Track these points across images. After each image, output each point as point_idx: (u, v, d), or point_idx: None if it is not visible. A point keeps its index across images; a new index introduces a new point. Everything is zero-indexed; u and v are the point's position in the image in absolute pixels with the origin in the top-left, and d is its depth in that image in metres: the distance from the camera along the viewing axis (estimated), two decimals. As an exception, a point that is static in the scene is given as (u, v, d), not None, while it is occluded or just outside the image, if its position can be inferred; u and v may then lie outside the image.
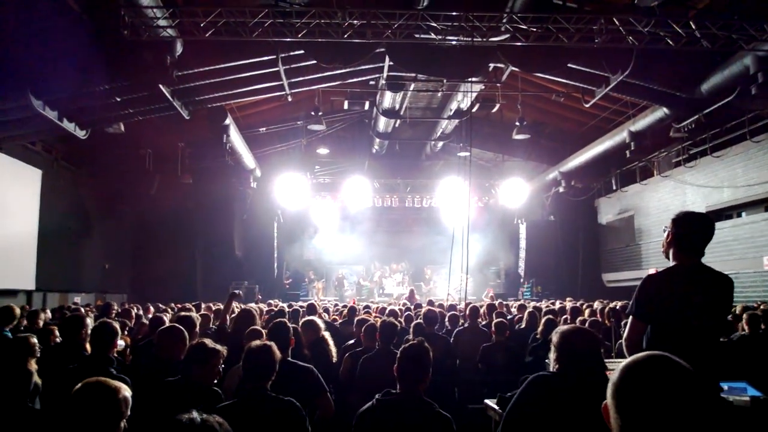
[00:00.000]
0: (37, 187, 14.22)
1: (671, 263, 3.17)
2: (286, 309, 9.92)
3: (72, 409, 2.27)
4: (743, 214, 14.78)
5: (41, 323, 7.22)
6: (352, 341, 6.29)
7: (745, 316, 6.17)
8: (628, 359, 1.36)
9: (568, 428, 1.96)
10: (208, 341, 3.57)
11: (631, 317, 3.18)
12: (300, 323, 5.84)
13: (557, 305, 11.06)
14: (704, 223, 3.15)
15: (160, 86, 11.44)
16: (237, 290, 6.14)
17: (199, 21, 10.00)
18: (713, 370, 3.09)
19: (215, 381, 3.54)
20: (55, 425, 3.04)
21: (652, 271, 3.44)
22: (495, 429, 4.02)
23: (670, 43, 10.70)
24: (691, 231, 3.12)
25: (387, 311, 8.18)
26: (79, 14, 9.92)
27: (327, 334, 5.68)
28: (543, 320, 6.42)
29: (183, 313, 5.82)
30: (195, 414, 1.94)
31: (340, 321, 8.80)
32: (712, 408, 1.28)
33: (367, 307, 10.61)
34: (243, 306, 6.12)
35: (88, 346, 4.72)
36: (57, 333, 5.57)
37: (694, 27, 10.44)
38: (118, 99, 11.79)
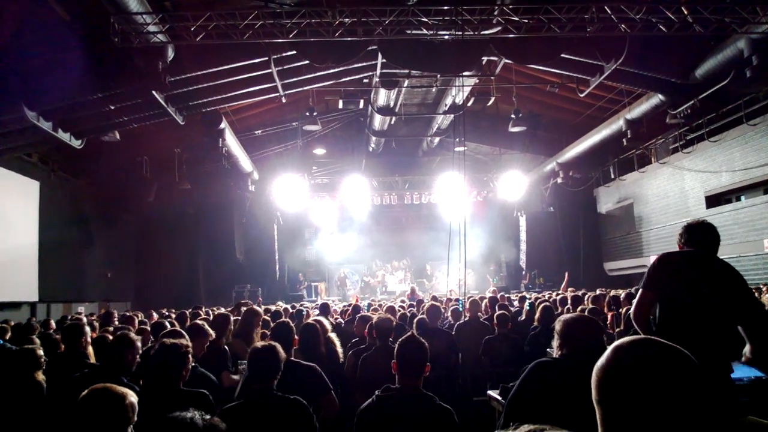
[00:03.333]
0: (36, 199, 14.21)
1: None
2: (290, 310, 9.93)
3: (79, 415, 2.27)
4: (742, 197, 14.78)
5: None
6: (356, 339, 6.29)
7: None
8: (608, 349, 1.27)
9: (570, 414, 1.95)
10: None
11: (640, 290, 3.29)
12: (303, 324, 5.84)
13: (558, 296, 11.05)
14: (710, 229, 3.40)
15: (153, 92, 11.42)
16: (234, 294, 6.20)
17: (189, 25, 9.99)
18: (722, 348, 3.09)
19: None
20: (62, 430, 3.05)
21: (653, 258, 3.52)
22: (498, 419, 4.02)
23: (663, 29, 10.68)
24: (688, 232, 3.39)
25: (386, 308, 8.17)
26: (69, 23, 9.89)
27: (333, 335, 5.68)
28: (540, 308, 6.43)
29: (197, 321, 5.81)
30: (197, 415, 1.93)
31: (345, 320, 8.80)
32: (707, 393, 1.17)
33: (369, 305, 10.60)
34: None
35: (90, 353, 4.73)
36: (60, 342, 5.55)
37: (686, 12, 10.41)
38: (112, 107, 11.76)
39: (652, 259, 3.57)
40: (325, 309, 8.15)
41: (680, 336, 2.89)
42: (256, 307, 6.36)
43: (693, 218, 3.54)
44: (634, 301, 3.32)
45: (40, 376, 4.12)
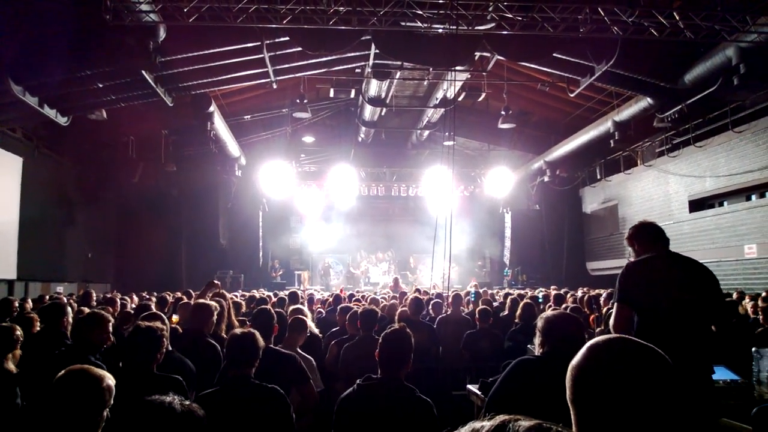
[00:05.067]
0: (18, 175, 13.98)
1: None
2: (272, 298, 9.90)
3: (55, 396, 2.24)
4: (725, 203, 14.97)
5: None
6: (336, 329, 6.30)
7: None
8: (583, 348, 1.27)
9: (552, 412, 1.97)
10: None
11: (615, 304, 3.25)
12: (288, 312, 5.83)
13: (541, 293, 11.14)
14: (653, 225, 3.50)
15: (143, 72, 11.28)
16: (216, 280, 6.15)
17: (183, 6, 9.85)
18: (702, 349, 3.13)
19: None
20: (37, 412, 3.02)
21: (633, 259, 3.52)
22: (477, 414, 4.05)
23: (654, 33, 10.75)
24: (649, 230, 3.44)
25: (369, 299, 8.19)
26: (59, -2, 9.73)
27: (312, 324, 5.68)
28: (521, 305, 6.47)
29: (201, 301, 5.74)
30: (176, 400, 1.92)
31: (326, 309, 8.82)
32: (682, 394, 1.19)
33: (351, 296, 10.60)
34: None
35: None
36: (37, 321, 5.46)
37: (677, 17, 10.49)
38: (100, 85, 11.60)
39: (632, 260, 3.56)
40: (294, 298, 8.10)
41: (661, 341, 2.92)
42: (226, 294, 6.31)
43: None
44: (613, 316, 3.27)
45: (10, 357, 4.03)
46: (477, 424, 1.03)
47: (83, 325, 3.87)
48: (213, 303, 4.77)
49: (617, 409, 1.15)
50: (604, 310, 7.16)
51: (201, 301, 5.15)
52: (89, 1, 9.51)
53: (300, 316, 4.89)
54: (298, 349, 4.65)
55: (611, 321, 3.28)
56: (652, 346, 1.23)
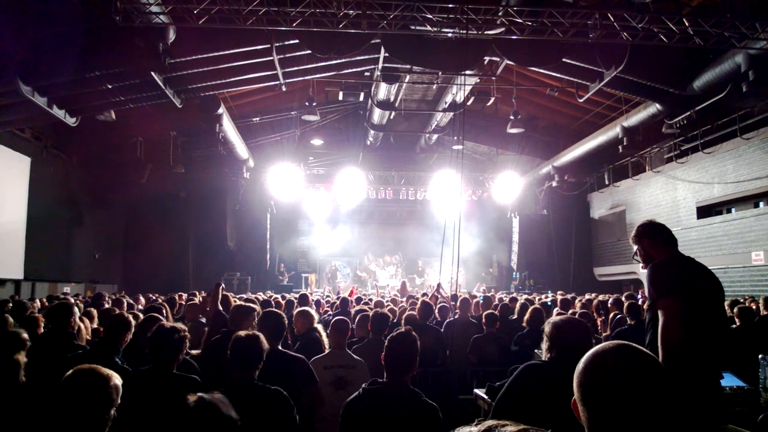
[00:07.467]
0: (26, 175, 14.08)
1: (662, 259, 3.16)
2: (281, 300, 9.91)
3: (62, 396, 2.26)
4: (733, 210, 14.90)
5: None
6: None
7: (735, 309, 6.28)
8: (591, 351, 1.32)
9: (559, 417, 1.95)
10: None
11: (664, 301, 2.89)
12: (294, 313, 5.84)
13: (549, 298, 11.09)
14: (664, 225, 3.27)
15: (152, 73, 11.33)
16: (222, 282, 6.19)
17: (193, 7, 9.90)
18: (721, 354, 3.09)
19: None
20: (46, 411, 3.03)
21: (641, 265, 3.39)
22: (484, 418, 4.03)
23: (664, 39, 10.73)
24: (662, 230, 3.23)
25: (374, 302, 8.19)
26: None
27: (320, 326, 5.67)
28: (529, 310, 6.45)
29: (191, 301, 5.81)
30: (204, 395, 1.97)
31: (334, 312, 8.81)
32: (678, 396, 1.26)
33: (359, 299, 10.58)
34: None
35: (84, 335, 4.71)
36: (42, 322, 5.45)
37: (687, 24, 10.48)
38: (110, 86, 11.64)
39: (641, 266, 3.32)
40: (304, 300, 8.16)
41: (702, 342, 2.86)
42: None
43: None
44: (664, 318, 2.82)
45: (23, 357, 4.01)
46: (464, 429, 1.06)
47: (112, 327, 3.90)
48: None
49: (619, 412, 1.21)
50: (611, 315, 7.14)
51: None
52: (99, 3, 9.58)
53: (342, 317, 4.90)
54: (347, 350, 4.62)
55: (663, 325, 2.82)
56: (652, 354, 1.29)
